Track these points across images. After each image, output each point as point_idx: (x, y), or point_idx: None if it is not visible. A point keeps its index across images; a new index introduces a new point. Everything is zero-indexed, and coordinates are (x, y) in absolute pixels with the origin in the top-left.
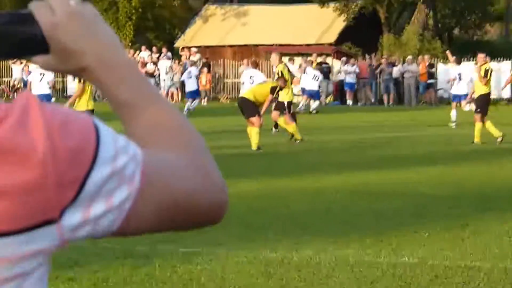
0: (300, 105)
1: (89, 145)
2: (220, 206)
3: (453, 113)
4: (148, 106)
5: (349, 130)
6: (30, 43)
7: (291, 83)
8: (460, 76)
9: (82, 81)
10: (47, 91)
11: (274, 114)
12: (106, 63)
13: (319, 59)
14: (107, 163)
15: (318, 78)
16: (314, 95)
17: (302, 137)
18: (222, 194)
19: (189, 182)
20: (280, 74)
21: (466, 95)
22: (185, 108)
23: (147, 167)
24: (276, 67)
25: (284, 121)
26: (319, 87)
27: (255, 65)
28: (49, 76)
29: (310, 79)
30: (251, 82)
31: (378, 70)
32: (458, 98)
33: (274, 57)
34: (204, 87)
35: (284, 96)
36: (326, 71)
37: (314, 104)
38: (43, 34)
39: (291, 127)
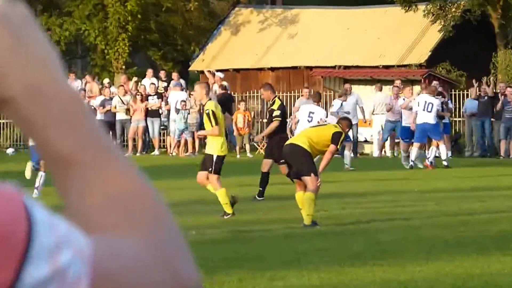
0: (415, 154)
1: (19, 232)
2: None
3: None
4: (99, 166)
5: (446, 194)
6: None
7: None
8: None
9: None
10: None
11: (207, 176)
12: (40, 94)
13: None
14: (44, 260)
15: (432, 107)
16: (432, 131)
17: (232, 213)
18: None
19: (150, 281)
20: (211, 115)
21: None
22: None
23: (97, 266)
24: (204, 104)
25: (224, 194)
26: (438, 118)
27: (318, 99)
28: None
29: (421, 110)
30: (309, 121)
31: (499, 106)
32: None
33: (198, 89)
34: (241, 132)
35: (214, 147)
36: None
37: (432, 153)
38: None
39: (220, 193)
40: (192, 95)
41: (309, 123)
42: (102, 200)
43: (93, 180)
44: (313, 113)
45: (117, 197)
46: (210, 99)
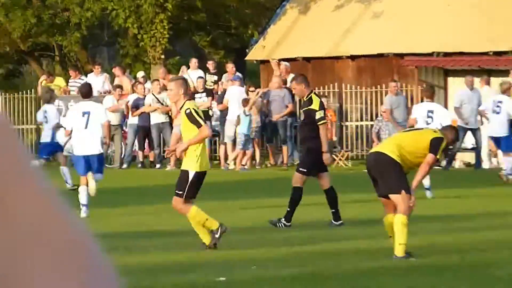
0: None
1: None
2: None
3: None
4: (15, 196)
5: None
6: None
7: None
8: None
9: None
10: (97, 149)
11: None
12: None
13: None
14: None
15: None
16: None
17: (220, 226)
18: None
19: None
20: (194, 113)
21: None
22: None
23: None
24: (181, 106)
25: (196, 212)
26: None
27: (432, 94)
28: (102, 116)
29: None
30: (429, 123)
31: None
32: None
33: (174, 87)
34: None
35: (190, 162)
36: None
37: None
38: None
39: (193, 215)
40: (251, 88)
41: (427, 125)
42: (19, 239)
43: (6, 212)
44: (432, 111)
45: (38, 236)
46: (189, 99)
